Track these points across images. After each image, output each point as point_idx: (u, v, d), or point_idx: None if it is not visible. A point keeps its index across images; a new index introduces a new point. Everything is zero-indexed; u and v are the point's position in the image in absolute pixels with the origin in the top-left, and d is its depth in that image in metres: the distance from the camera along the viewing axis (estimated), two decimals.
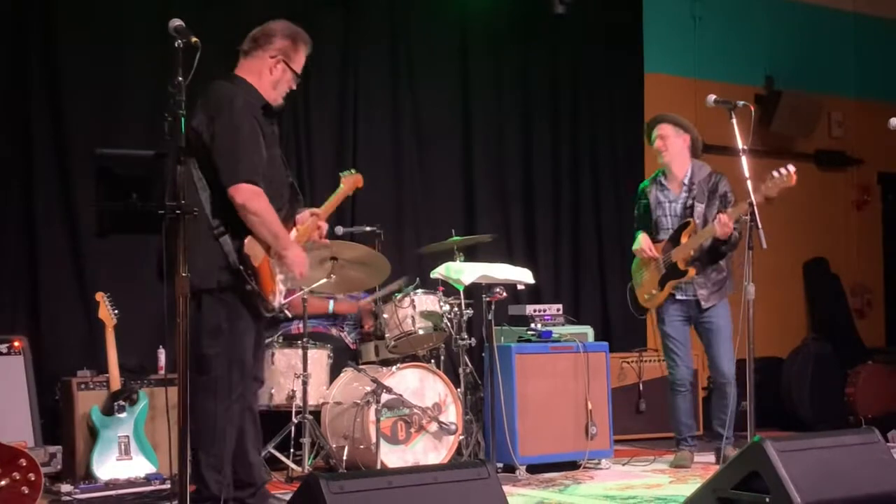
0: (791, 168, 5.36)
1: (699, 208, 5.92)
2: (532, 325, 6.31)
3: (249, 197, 4.11)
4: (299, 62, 4.44)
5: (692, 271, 5.88)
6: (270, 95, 4.38)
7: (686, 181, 6.02)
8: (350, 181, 5.00)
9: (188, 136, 4.12)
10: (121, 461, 5.31)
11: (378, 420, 5.42)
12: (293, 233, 4.47)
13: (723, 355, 5.94)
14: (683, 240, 5.91)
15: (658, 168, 6.19)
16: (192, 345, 4.20)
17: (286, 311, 5.55)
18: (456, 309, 5.90)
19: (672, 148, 6.02)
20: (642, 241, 6.05)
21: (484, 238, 6.45)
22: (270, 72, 4.36)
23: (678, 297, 6.01)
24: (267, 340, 5.37)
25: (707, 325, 6.00)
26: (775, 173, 5.36)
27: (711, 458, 6.13)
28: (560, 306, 6.90)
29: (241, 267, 4.12)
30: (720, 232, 5.67)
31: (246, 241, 4.15)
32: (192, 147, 4.09)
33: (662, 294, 6.00)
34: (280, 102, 4.45)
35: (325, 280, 5.28)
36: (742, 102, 5.10)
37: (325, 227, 4.67)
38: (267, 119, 4.35)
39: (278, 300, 4.33)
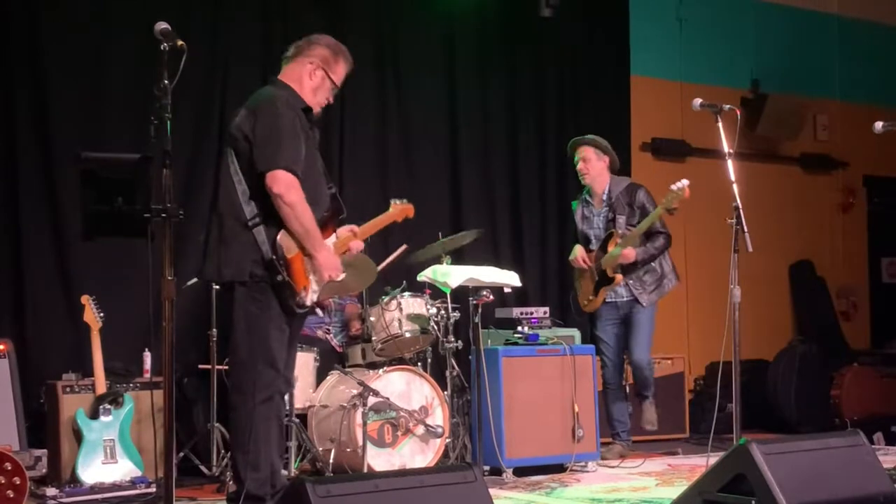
0: (685, 182, 5.94)
1: (620, 220, 6.42)
2: (519, 328, 6.31)
3: (286, 187, 4.09)
4: (338, 74, 4.49)
5: (619, 278, 6.41)
6: (311, 101, 4.43)
7: (605, 196, 6.53)
8: (400, 209, 5.04)
9: (232, 134, 4.21)
10: (106, 465, 5.29)
11: (365, 423, 5.41)
12: (331, 239, 4.44)
13: (638, 346, 6.47)
14: (610, 248, 6.37)
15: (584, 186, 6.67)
16: (227, 339, 4.25)
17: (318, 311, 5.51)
18: (443, 312, 5.90)
19: (593, 170, 6.55)
20: (577, 251, 6.60)
21: (470, 234, 6.38)
22: (310, 77, 4.41)
23: (610, 300, 6.52)
24: None
25: (632, 320, 6.49)
26: (673, 186, 5.94)
27: (699, 460, 6.15)
28: (547, 309, 6.89)
29: (273, 257, 4.10)
30: (623, 260, 6.31)
31: (280, 232, 4.14)
32: (234, 142, 4.18)
33: (598, 299, 6.54)
34: (318, 111, 4.49)
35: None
36: (728, 106, 5.11)
37: (360, 245, 4.61)
38: (308, 122, 4.37)
39: (310, 298, 4.26)
